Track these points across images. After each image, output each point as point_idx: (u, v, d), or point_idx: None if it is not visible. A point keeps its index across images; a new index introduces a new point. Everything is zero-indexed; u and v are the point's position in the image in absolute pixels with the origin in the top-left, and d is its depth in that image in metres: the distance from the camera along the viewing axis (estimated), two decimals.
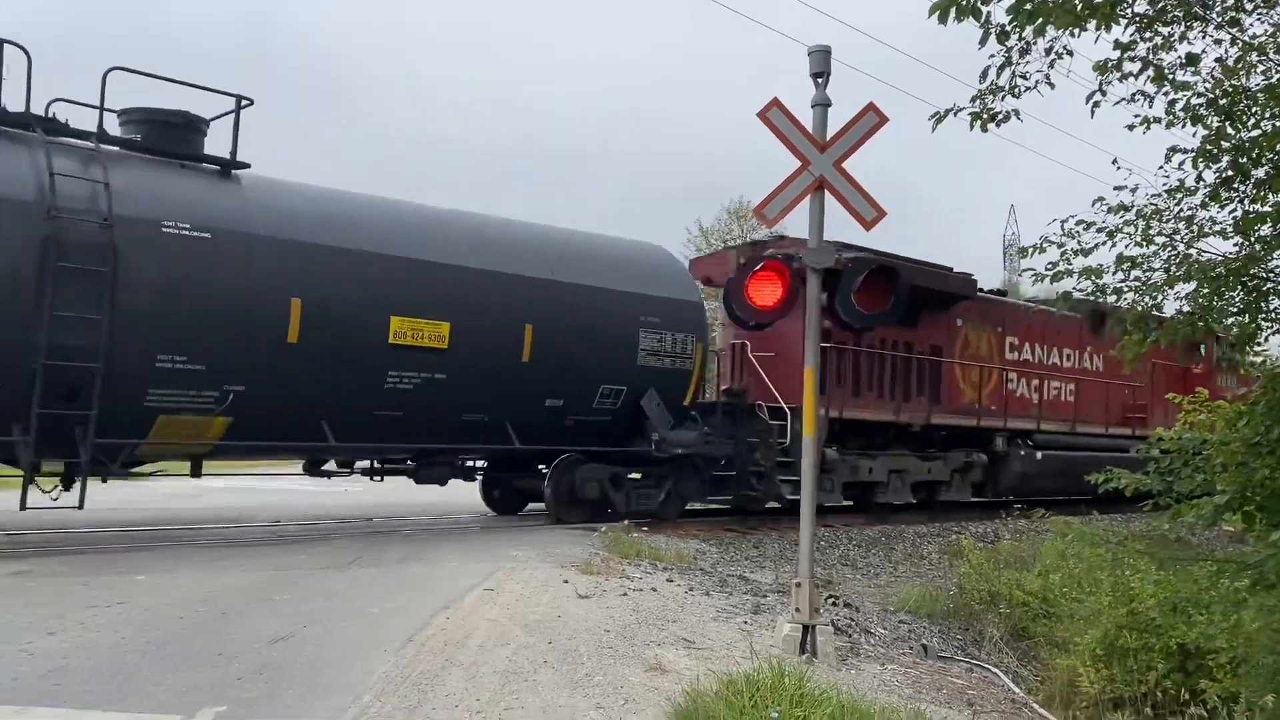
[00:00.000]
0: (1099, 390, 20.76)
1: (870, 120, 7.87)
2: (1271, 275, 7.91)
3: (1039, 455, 19.05)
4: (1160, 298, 8.16)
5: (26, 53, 9.68)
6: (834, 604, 10.09)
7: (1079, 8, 6.73)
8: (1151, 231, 8.13)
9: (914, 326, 17.07)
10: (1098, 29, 6.98)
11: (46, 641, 6.01)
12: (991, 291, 20.03)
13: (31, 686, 5.14)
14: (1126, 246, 8.10)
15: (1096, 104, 7.64)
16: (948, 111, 7.53)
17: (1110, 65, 7.59)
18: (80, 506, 9.79)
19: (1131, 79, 7.64)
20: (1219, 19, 7.63)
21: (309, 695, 5.28)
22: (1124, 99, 7.65)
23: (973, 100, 7.50)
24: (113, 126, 10.60)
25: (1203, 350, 20.90)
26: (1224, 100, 7.63)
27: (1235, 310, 8.19)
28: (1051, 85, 7.41)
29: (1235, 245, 8.16)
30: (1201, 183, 7.98)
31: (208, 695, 5.16)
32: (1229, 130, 7.68)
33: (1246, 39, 7.76)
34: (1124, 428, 20.65)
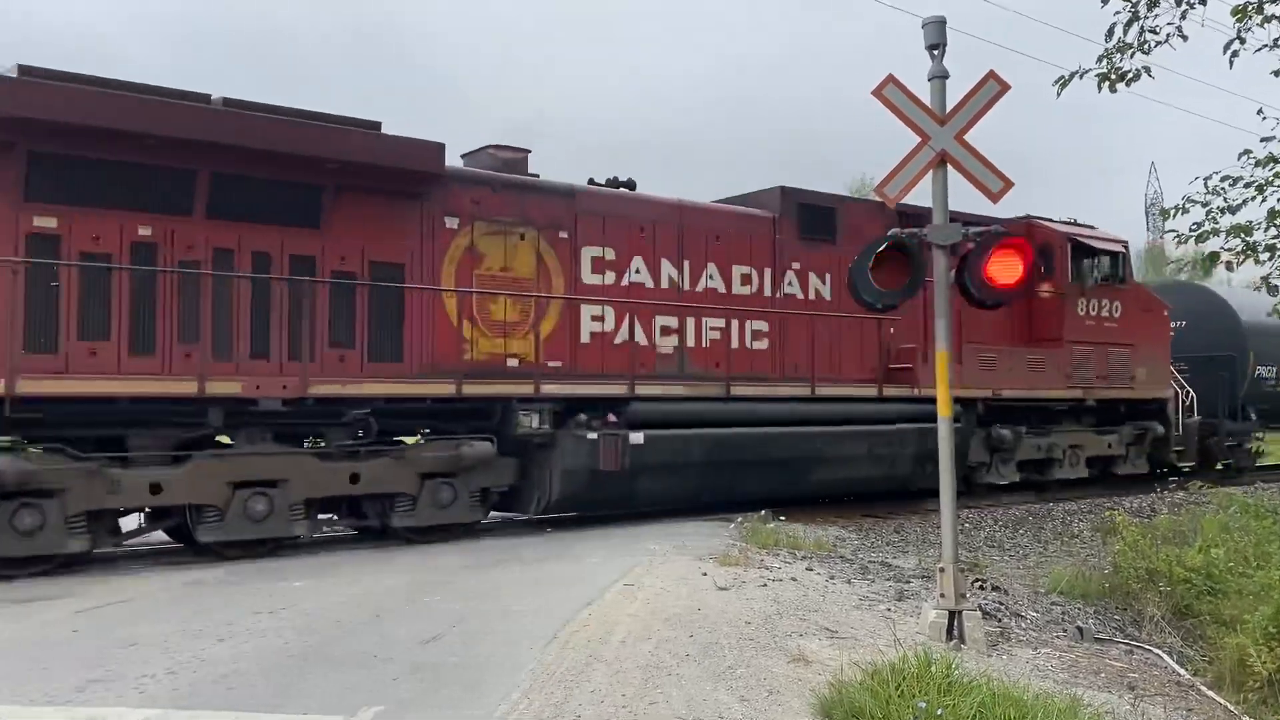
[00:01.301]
0: (812, 331, 14.40)
1: (991, 89, 7.63)
2: None
3: (637, 437, 12.34)
4: None
5: None
6: (981, 588, 9.83)
7: None
8: None
9: None
10: None
11: (217, 648, 6.36)
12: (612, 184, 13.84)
13: (206, 691, 5.46)
14: (1279, 200, 7.64)
15: (1235, 53, 7.22)
16: (1073, 75, 7.24)
17: (1250, 8, 7.17)
18: None
19: (1276, 22, 7.20)
20: None
21: (461, 694, 5.45)
22: (1266, 45, 7.20)
23: (1099, 60, 7.19)
24: None
25: (1056, 263, 17.10)
26: None
27: None
28: (1184, 37, 7.03)
29: None
30: None
31: (366, 695, 5.38)
32: None
33: None
34: (868, 385, 14.76)
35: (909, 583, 9.49)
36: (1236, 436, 20.71)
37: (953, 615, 7.35)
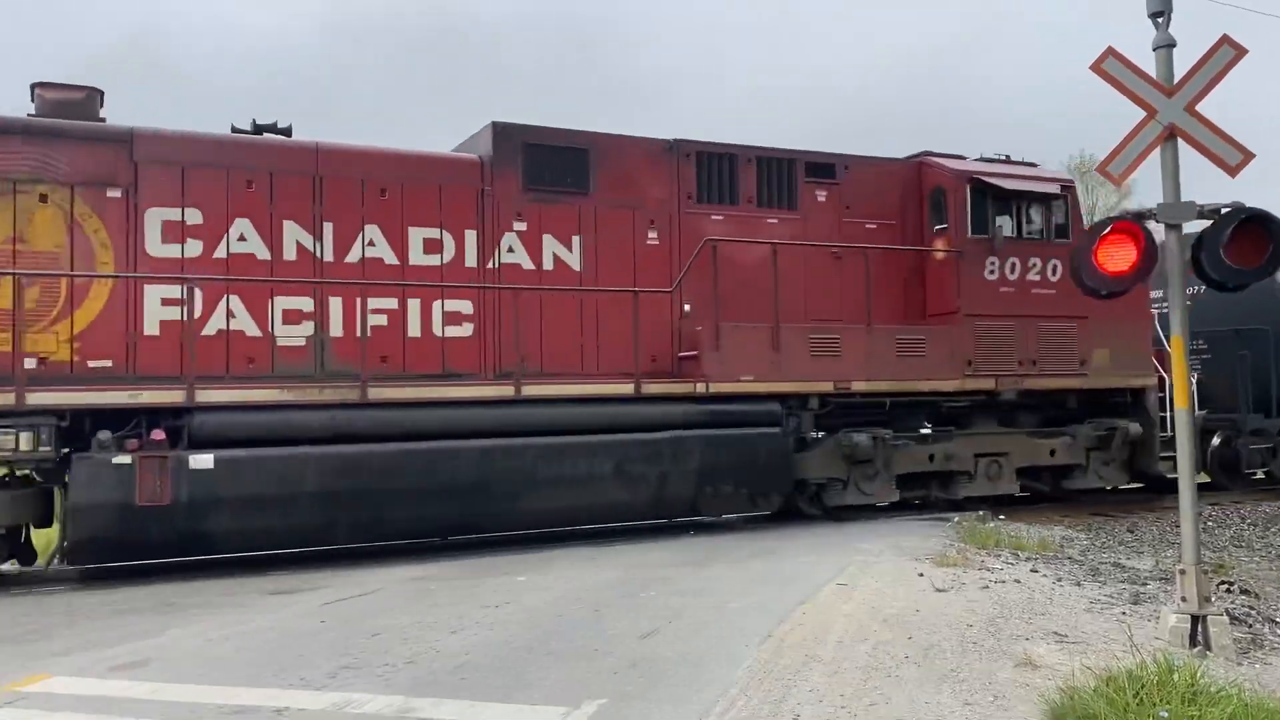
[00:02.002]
0: (541, 312, 11.49)
1: (1225, 55, 7.07)
2: None
3: (202, 460, 9.35)
4: None
5: None
6: (1228, 591, 9.12)
7: None
8: None
9: None
10: None
11: (450, 640, 6.72)
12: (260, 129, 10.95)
13: (442, 681, 5.78)
14: None
15: None
16: None
17: None
18: None
19: None
20: None
21: (680, 689, 5.54)
22: None
23: None
24: None
25: (950, 212, 13.24)
26: None
27: None
28: None
29: None
30: None
31: (588, 689, 5.56)
32: None
33: None
34: (624, 382, 11.28)
35: (1145, 585, 8.93)
36: (1267, 438, 16.00)
37: (1196, 620, 6.85)
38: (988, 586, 8.25)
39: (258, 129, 10.95)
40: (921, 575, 8.58)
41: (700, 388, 11.56)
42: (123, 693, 5.62)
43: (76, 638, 7.13)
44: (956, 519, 11.82)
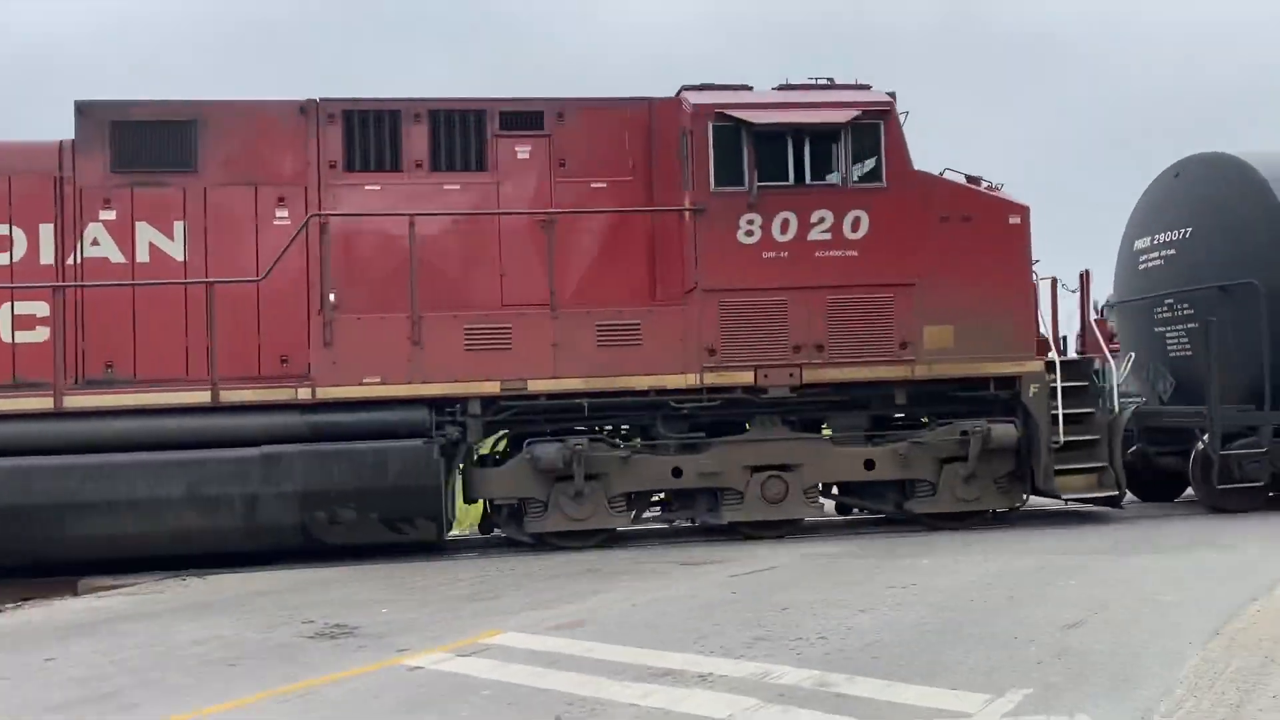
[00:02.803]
0: (134, 308, 10.03)
1: None
2: None
3: None
4: None
5: None
6: None
7: None
8: None
9: None
10: None
11: (860, 618, 6.72)
12: None
13: (854, 658, 5.78)
14: None
15: None
16: None
17: None
18: None
19: None
20: None
21: (1114, 683, 5.15)
22: None
23: None
24: None
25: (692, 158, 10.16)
26: None
27: None
28: None
29: None
30: None
31: (1010, 676, 5.31)
32: None
33: None
34: (199, 390, 9.72)
35: None
36: (1241, 445, 11.30)
37: None
38: None
39: None
40: None
41: (304, 393, 9.80)
42: (563, 649, 6.15)
43: (523, 598, 7.90)
44: None
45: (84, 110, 10.22)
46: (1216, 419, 11.16)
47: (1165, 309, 12.58)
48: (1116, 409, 11.23)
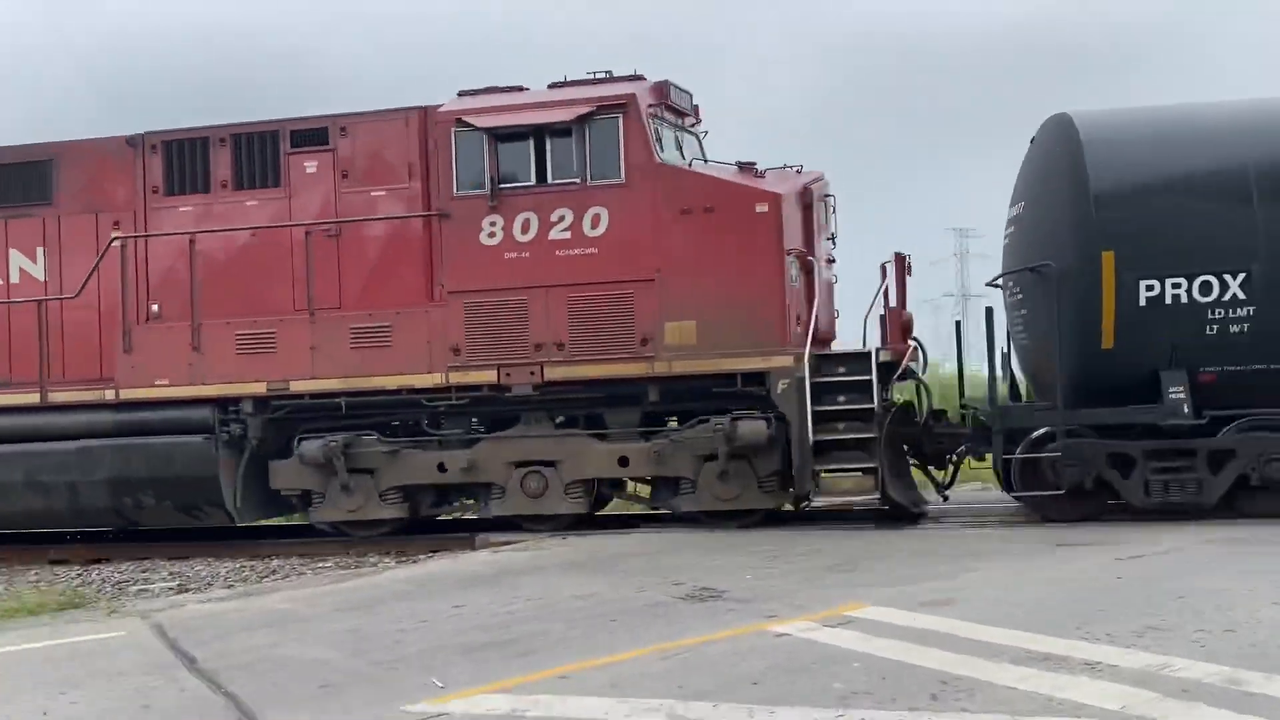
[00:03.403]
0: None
1: None
2: None
3: None
4: None
5: None
6: None
7: None
8: None
9: None
10: None
11: (1274, 611, 6.00)
12: None
13: (1271, 654, 5.16)
14: None
15: None
16: None
17: None
18: None
19: None
20: None
21: None
22: None
23: None
24: None
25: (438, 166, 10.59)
26: None
27: None
28: None
29: None
30: None
31: None
32: None
33: None
34: (29, 392, 11.23)
35: None
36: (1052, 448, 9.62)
37: None
38: None
39: None
40: None
41: (109, 395, 11.11)
42: (933, 627, 5.96)
43: (886, 573, 7.76)
44: None
45: None
46: (999, 412, 10.12)
47: (1009, 291, 11.03)
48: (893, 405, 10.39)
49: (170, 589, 9.72)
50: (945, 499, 10.84)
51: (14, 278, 11.77)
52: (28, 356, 11.45)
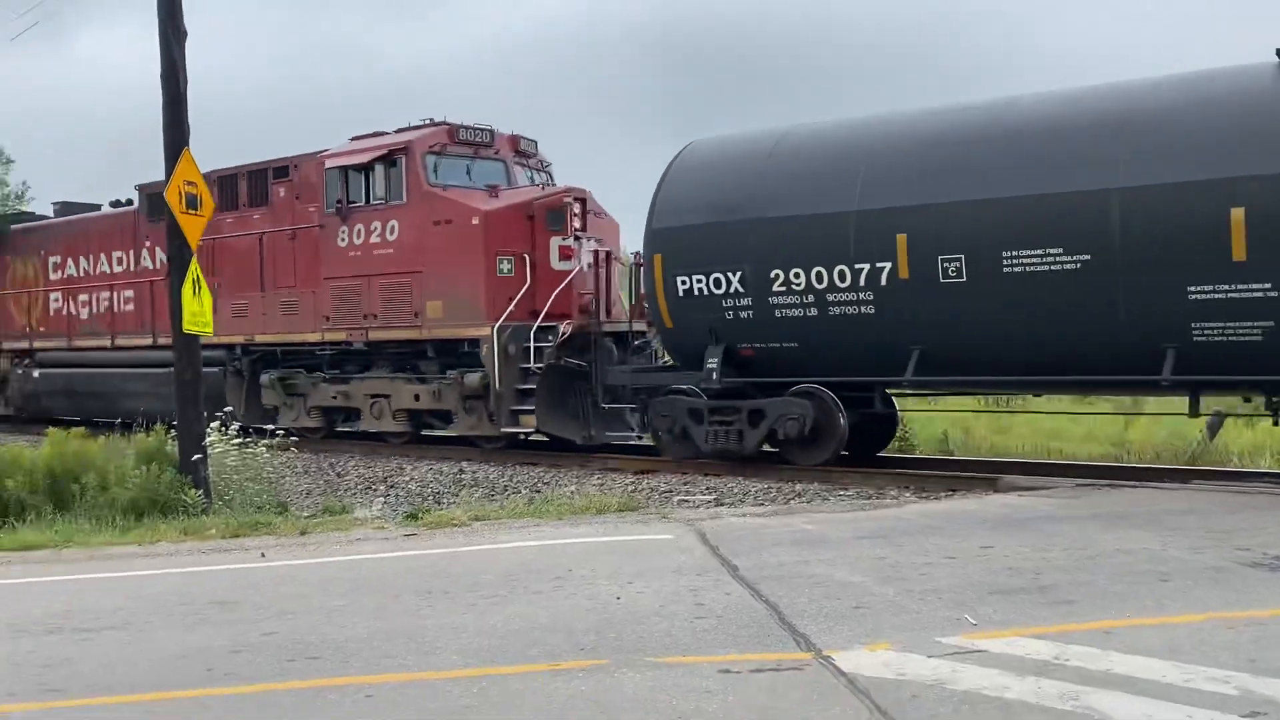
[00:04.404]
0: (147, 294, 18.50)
1: None
2: None
3: (36, 374, 20.36)
4: None
5: None
6: None
7: None
8: None
9: None
10: None
11: None
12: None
13: None
14: None
15: None
16: None
17: None
18: None
19: None
20: None
21: None
22: None
23: None
24: None
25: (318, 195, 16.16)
26: None
27: None
28: None
29: None
30: None
31: None
32: None
33: None
34: (142, 336, 18.60)
35: None
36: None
37: None
38: None
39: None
40: None
41: (162, 340, 16.49)
42: None
43: None
44: None
45: None
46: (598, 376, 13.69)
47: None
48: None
49: (709, 501, 10.61)
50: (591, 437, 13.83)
51: (154, 264, 17.91)
52: (140, 316, 18.65)
